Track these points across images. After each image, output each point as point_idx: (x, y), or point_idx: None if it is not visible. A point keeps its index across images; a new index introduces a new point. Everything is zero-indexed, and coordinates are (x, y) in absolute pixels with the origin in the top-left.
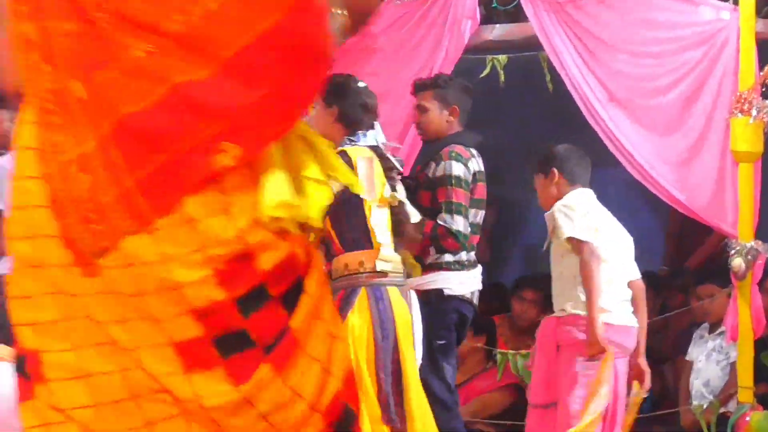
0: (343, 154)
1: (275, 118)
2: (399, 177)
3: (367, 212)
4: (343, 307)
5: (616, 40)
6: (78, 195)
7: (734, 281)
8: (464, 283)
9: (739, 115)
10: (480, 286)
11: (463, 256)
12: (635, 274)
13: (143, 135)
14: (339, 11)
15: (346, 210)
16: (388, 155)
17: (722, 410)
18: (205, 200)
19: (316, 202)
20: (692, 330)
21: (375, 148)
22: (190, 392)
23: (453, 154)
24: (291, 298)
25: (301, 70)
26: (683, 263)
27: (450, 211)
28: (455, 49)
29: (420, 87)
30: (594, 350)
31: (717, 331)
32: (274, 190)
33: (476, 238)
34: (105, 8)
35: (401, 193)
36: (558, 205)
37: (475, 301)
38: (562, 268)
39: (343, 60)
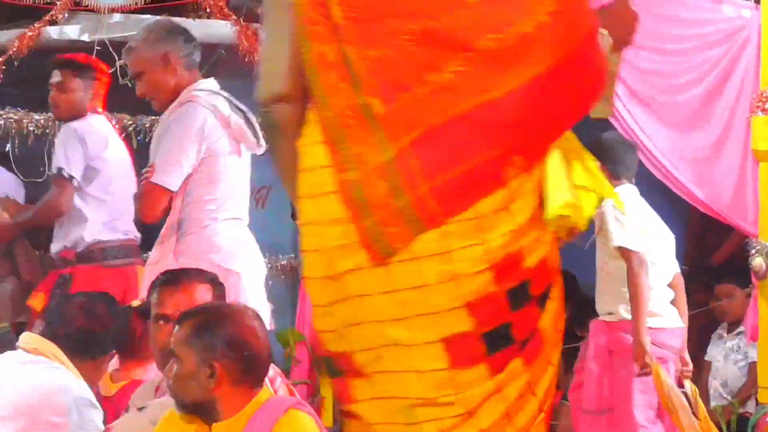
0: None
1: (557, 132)
2: None
3: None
4: None
5: (639, 37)
6: (376, 201)
7: (755, 281)
8: None
9: (760, 113)
10: None
11: None
12: (675, 267)
13: (444, 147)
14: (605, 32)
15: None
16: None
17: (741, 411)
18: (493, 201)
19: (585, 209)
20: (712, 329)
21: None
22: (449, 387)
23: None
24: (542, 300)
25: (584, 90)
26: (704, 262)
27: None
28: None
29: None
30: (641, 362)
31: (735, 331)
32: (560, 192)
33: None
34: (414, 31)
35: None
36: (608, 205)
37: None
38: (610, 269)
39: None
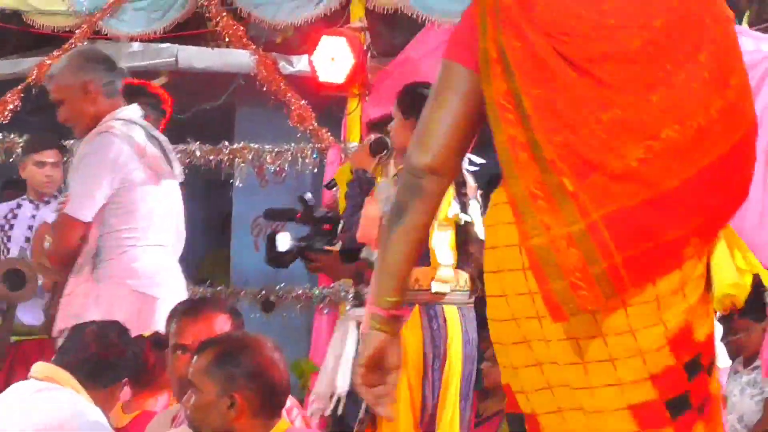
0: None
1: (727, 216)
2: (475, 194)
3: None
4: None
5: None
6: (568, 266)
7: None
8: None
9: None
10: None
11: None
12: None
13: (632, 225)
14: None
15: None
16: (463, 171)
17: None
18: (669, 281)
19: (746, 288)
20: (728, 364)
21: None
22: None
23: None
24: (710, 369)
25: (746, 176)
26: None
27: None
28: None
29: None
30: None
31: (752, 366)
32: (728, 273)
33: None
34: (602, 120)
35: (473, 210)
36: None
37: None
38: None
39: (384, 86)
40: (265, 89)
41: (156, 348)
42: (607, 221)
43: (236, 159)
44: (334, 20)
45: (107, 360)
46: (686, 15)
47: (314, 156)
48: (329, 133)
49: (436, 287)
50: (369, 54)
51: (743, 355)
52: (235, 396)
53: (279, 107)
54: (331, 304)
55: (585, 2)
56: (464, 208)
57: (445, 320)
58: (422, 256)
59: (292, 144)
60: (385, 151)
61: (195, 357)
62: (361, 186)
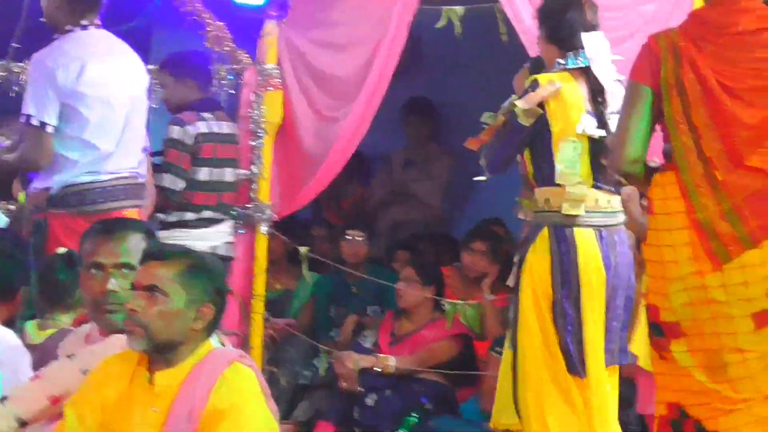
0: (534, 82)
1: None
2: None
3: (553, 145)
4: (525, 244)
5: None
6: (720, 231)
7: None
8: (204, 239)
9: None
10: (225, 240)
11: (189, 215)
12: None
13: (761, 202)
14: None
15: (537, 140)
16: (601, 80)
17: None
18: None
19: None
20: None
21: (584, 72)
22: (753, 342)
23: (172, 120)
24: None
25: None
26: None
27: (160, 170)
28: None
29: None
30: None
31: None
32: None
33: (213, 196)
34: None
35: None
36: None
37: (225, 253)
38: None
39: (302, 10)
40: (181, 10)
41: (69, 266)
42: (746, 201)
43: (152, 81)
44: None
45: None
46: None
47: (230, 77)
48: (246, 54)
49: (567, 208)
50: None
51: None
52: (203, 309)
53: (195, 28)
54: (247, 224)
55: (741, 49)
56: (601, 120)
57: (575, 244)
58: (550, 175)
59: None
60: (543, 70)
61: (156, 264)
62: None
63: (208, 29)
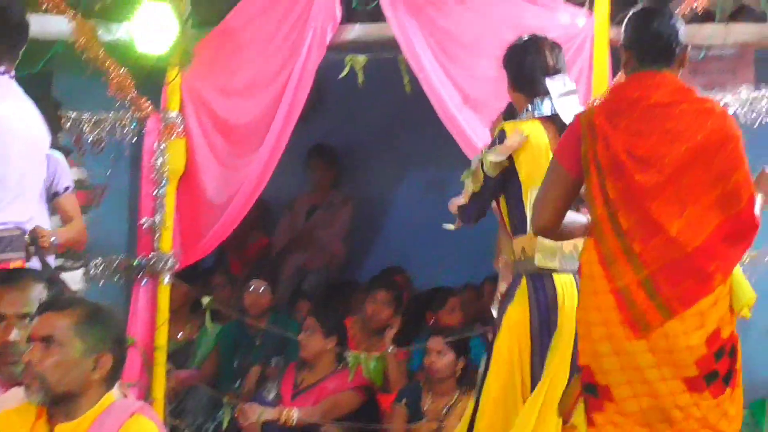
0: (501, 132)
1: (739, 255)
2: None
3: (523, 194)
4: (506, 299)
5: (476, 43)
6: (638, 300)
7: None
8: None
9: None
10: None
11: None
12: None
13: (678, 270)
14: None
15: (508, 190)
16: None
17: None
18: (707, 300)
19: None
20: None
21: (551, 118)
22: (690, 402)
23: None
24: (731, 353)
25: (749, 228)
26: None
27: None
28: (318, 46)
29: None
30: None
31: None
32: (746, 289)
33: None
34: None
35: None
36: None
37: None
38: None
39: (205, 57)
40: (83, 57)
41: None
42: (662, 271)
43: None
44: None
45: None
46: (711, 136)
47: (133, 125)
48: (149, 102)
49: (540, 259)
50: (190, 22)
51: None
52: (101, 358)
53: (98, 75)
54: (150, 274)
55: (653, 120)
56: None
57: (554, 289)
58: (523, 223)
59: (111, 112)
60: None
61: (52, 314)
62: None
63: (111, 76)
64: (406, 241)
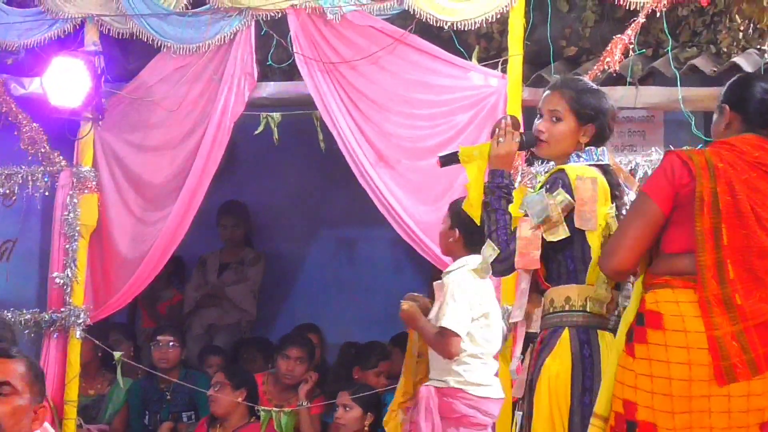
0: (561, 173)
1: None
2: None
3: (591, 242)
4: (543, 349)
5: (389, 102)
6: (732, 352)
7: None
8: None
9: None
10: None
11: None
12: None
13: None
14: None
15: (564, 241)
16: (612, 167)
17: None
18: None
19: None
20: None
21: (603, 167)
22: None
23: None
24: None
25: None
26: None
27: None
28: (235, 104)
29: None
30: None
31: None
32: None
33: None
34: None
35: None
36: (453, 279)
37: None
38: None
39: (119, 112)
40: None
41: None
42: (757, 328)
43: None
44: (68, 43)
45: None
46: None
47: (45, 179)
48: (61, 157)
49: (591, 305)
50: (103, 78)
51: None
52: (40, 408)
53: (10, 129)
54: (61, 329)
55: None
56: (619, 212)
57: (599, 347)
58: (577, 271)
59: (23, 167)
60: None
61: (6, 360)
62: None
63: (24, 130)
64: (317, 298)
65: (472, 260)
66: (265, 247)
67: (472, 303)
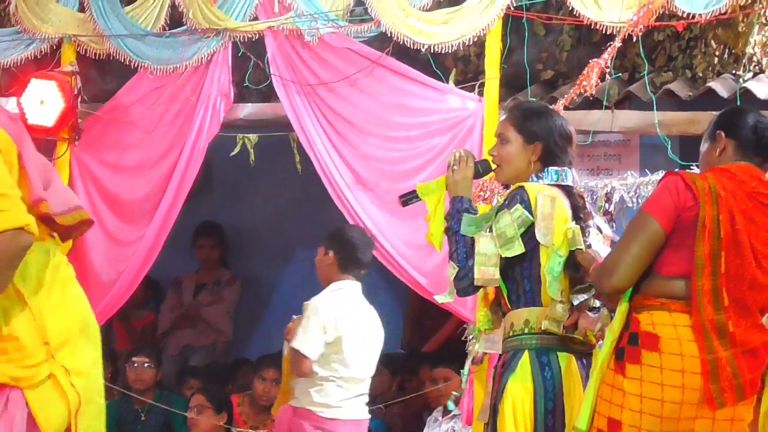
0: (521, 190)
1: None
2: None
3: (542, 260)
4: (504, 373)
5: (366, 124)
6: (723, 376)
7: (471, 366)
8: None
9: (482, 203)
10: None
11: None
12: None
13: (756, 360)
14: None
15: (520, 259)
16: (578, 191)
17: None
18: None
19: None
20: (426, 413)
21: (567, 189)
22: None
23: None
24: None
25: None
26: (421, 346)
27: None
28: (211, 124)
29: None
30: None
31: (450, 414)
32: None
33: None
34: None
35: (594, 239)
36: (314, 301)
37: None
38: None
39: (95, 133)
40: None
41: None
42: (745, 355)
43: None
44: (45, 63)
45: None
46: None
47: None
48: None
49: (548, 325)
50: (79, 98)
51: (443, 404)
52: None
53: None
54: None
55: (764, 217)
56: (584, 235)
57: (560, 368)
58: (534, 292)
59: None
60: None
61: None
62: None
63: None
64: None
65: (348, 285)
66: (241, 268)
67: (327, 327)
